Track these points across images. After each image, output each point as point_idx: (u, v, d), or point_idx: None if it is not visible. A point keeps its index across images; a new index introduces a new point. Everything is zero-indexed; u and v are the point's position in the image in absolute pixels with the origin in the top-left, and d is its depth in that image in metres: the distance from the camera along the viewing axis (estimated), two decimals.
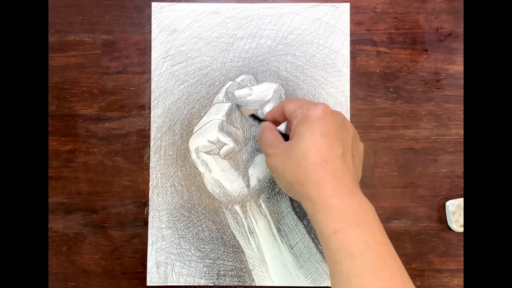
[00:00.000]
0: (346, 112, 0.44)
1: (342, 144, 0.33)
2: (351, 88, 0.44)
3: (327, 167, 0.32)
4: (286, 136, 0.37)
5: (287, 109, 0.37)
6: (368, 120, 0.44)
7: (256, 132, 0.44)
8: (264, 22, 0.45)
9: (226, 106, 0.44)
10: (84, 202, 0.44)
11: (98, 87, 0.44)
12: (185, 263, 0.43)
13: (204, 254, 0.43)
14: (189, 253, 0.43)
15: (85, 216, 0.44)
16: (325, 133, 0.33)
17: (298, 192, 0.34)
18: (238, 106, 0.43)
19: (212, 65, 0.45)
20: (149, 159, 0.44)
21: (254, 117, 0.42)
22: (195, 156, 0.44)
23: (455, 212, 0.43)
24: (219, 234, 0.43)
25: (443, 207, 0.44)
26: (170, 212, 0.44)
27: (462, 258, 0.44)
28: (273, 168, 0.35)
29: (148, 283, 0.43)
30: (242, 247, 0.43)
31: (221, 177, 0.43)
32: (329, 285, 0.43)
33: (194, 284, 0.43)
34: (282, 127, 0.43)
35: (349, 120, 0.44)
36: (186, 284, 0.43)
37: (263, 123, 0.39)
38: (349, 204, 0.32)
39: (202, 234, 0.43)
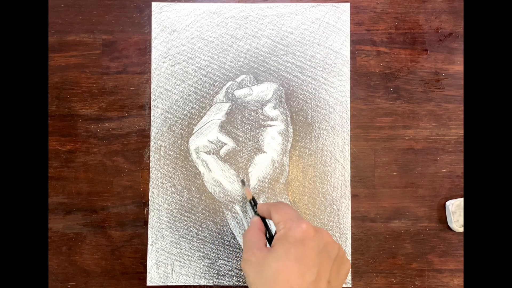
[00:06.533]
0: (346, 112, 0.44)
1: (317, 271, 0.32)
2: (351, 88, 0.44)
3: None
4: (272, 238, 0.36)
5: (273, 217, 0.35)
6: (368, 120, 0.44)
7: (256, 132, 0.44)
8: (264, 22, 0.45)
9: (226, 106, 0.44)
10: (84, 202, 0.44)
11: (98, 87, 0.44)
12: (185, 263, 0.43)
13: (204, 254, 0.43)
14: (189, 253, 0.43)
15: (85, 216, 0.44)
16: (300, 259, 0.32)
17: None
18: (243, 182, 0.43)
19: (212, 65, 0.45)
20: (149, 159, 0.44)
21: (252, 203, 0.40)
22: (195, 156, 0.44)
23: (455, 212, 0.43)
24: (219, 234, 0.43)
25: (443, 207, 0.44)
26: (170, 212, 0.44)
27: (462, 258, 0.44)
28: (245, 273, 0.35)
29: (148, 283, 0.43)
30: (242, 247, 0.43)
31: (221, 177, 0.43)
32: None
33: (194, 284, 0.43)
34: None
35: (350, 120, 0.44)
36: (186, 284, 0.43)
37: (253, 218, 0.38)
38: None
39: (202, 234, 0.43)
